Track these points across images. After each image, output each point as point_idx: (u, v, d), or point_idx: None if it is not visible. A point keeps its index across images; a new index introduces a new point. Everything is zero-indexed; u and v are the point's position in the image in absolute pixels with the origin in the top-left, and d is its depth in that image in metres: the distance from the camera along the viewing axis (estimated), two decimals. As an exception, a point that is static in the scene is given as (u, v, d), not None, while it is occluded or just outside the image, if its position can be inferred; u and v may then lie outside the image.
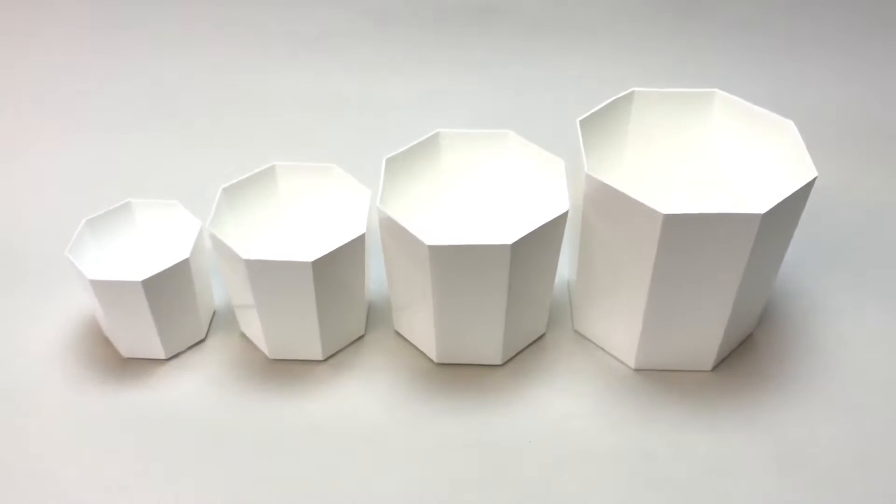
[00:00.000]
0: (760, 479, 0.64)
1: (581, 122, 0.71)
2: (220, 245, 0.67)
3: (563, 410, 0.70)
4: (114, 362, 0.73)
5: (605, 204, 0.65)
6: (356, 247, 0.68)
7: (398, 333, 0.76)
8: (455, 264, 0.65)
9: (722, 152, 0.76)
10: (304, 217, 0.78)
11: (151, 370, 0.73)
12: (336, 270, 0.68)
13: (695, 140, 0.77)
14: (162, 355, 0.73)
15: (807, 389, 0.71)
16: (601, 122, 0.73)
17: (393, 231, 0.66)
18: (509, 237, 0.65)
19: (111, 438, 0.68)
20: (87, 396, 0.71)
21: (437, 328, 0.70)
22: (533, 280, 0.69)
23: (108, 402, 0.71)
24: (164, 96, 1.08)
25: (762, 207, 0.63)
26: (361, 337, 0.76)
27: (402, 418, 0.69)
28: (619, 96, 0.74)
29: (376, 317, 0.78)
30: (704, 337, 0.70)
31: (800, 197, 0.65)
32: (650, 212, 0.62)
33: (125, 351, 0.73)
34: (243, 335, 0.76)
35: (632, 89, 0.75)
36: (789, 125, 0.70)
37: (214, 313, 0.78)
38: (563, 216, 0.66)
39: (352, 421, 0.69)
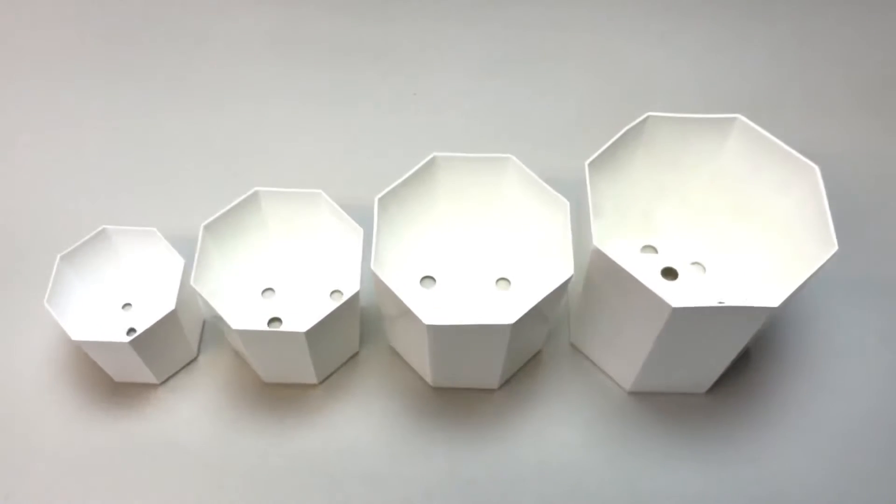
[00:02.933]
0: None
1: (590, 164, 0.66)
2: (208, 306, 0.64)
3: (556, 441, 0.70)
4: (106, 387, 0.72)
5: (613, 275, 0.62)
6: (350, 304, 0.66)
7: (392, 349, 0.75)
8: (454, 338, 0.63)
9: (735, 186, 0.71)
10: (293, 249, 0.74)
11: (144, 395, 0.72)
12: (331, 329, 0.66)
13: (707, 171, 0.72)
14: (154, 381, 0.72)
15: (796, 417, 0.71)
16: (611, 148, 0.68)
17: (389, 295, 0.63)
18: (510, 315, 0.62)
19: (104, 468, 0.69)
20: (80, 425, 0.71)
21: (433, 367, 0.69)
22: (533, 331, 0.68)
23: (102, 431, 0.70)
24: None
25: (775, 299, 0.60)
26: (356, 354, 0.75)
27: (396, 452, 0.70)
28: (631, 126, 0.68)
29: (370, 325, 0.76)
30: (703, 372, 0.70)
31: (816, 274, 0.62)
32: (659, 300, 0.60)
33: (117, 377, 0.72)
34: (235, 352, 0.74)
35: (646, 114, 0.68)
36: (813, 171, 0.65)
37: (204, 324, 0.76)
38: (566, 282, 0.63)
39: (345, 454, 0.69)
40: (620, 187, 0.73)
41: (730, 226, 0.75)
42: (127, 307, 0.74)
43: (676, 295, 0.74)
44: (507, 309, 0.73)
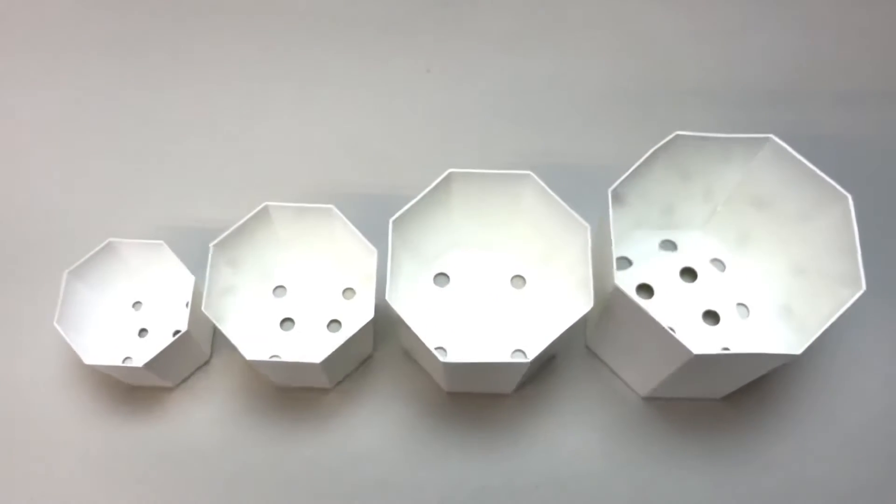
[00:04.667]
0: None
1: (613, 192, 0.63)
2: (223, 335, 0.64)
3: (570, 447, 0.71)
4: (121, 391, 0.72)
5: (635, 313, 0.61)
6: (364, 330, 0.65)
7: (406, 351, 0.74)
8: (470, 372, 0.63)
9: (762, 199, 0.69)
10: (305, 255, 0.72)
11: (159, 398, 0.72)
12: (345, 352, 0.65)
13: (733, 182, 0.69)
14: (169, 385, 0.72)
15: (812, 424, 0.71)
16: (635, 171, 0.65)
17: (405, 327, 0.62)
18: (526, 338, 0.62)
19: (123, 472, 0.70)
20: (98, 429, 0.71)
21: (448, 385, 0.69)
22: (550, 352, 0.67)
23: (119, 434, 0.71)
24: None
25: (798, 345, 0.59)
26: (370, 356, 0.74)
27: (410, 457, 0.70)
28: (657, 146, 0.64)
29: (382, 325, 0.75)
30: (720, 387, 0.70)
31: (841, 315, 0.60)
32: (680, 346, 0.59)
33: (131, 382, 0.72)
34: (249, 356, 0.74)
35: (674, 134, 0.65)
36: (845, 200, 0.63)
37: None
38: (583, 317, 0.62)
39: (359, 459, 0.70)
40: (642, 181, 0.70)
41: (752, 224, 0.73)
42: (137, 305, 0.73)
43: (694, 298, 0.73)
44: (522, 312, 0.72)
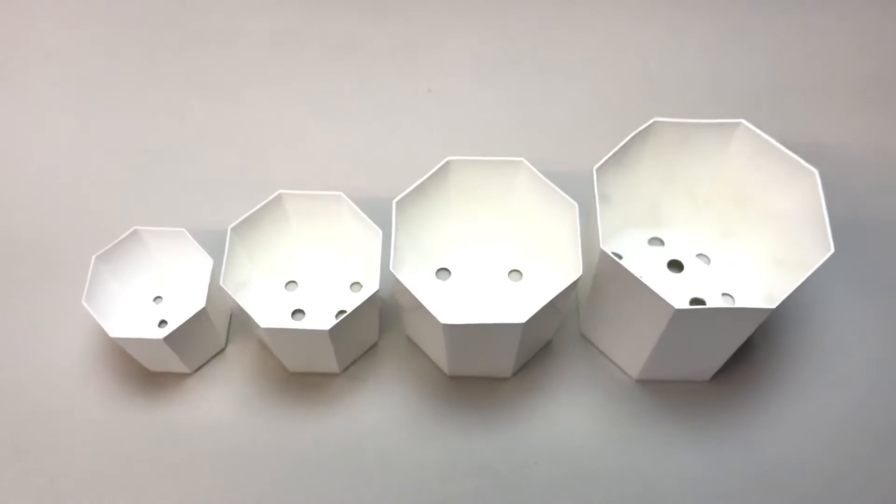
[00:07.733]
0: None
1: (598, 169, 0.69)
2: (237, 304, 0.68)
3: (566, 427, 0.74)
4: (141, 377, 0.77)
5: (619, 276, 0.66)
6: (370, 302, 0.69)
7: (410, 339, 0.79)
8: (469, 335, 0.67)
9: (739, 185, 0.74)
10: (315, 246, 0.78)
11: (177, 384, 0.76)
12: (352, 325, 0.70)
13: (711, 171, 0.75)
14: (186, 370, 0.76)
15: (795, 404, 0.75)
16: (617, 153, 0.71)
17: (408, 294, 0.67)
18: (521, 314, 0.66)
19: (141, 453, 0.73)
20: (118, 412, 0.75)
21: (449, 359, 0.73)
22: (545, 325, 0.71)
23: (138, 418, 0.75)
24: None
25: (773, 300, 0.63)
26: (375, 344, 0.79)
27: (414, 437, 0.73)
28: (637, 131, 0.70)
29: (388, 315, 0.80)
30: (706, 362, 0.74)
31: (815, 272, 0.65)
32: (662, 302, 0.63)
33: (151, 367, 0.76)
34: (261, 342, 0.78)
35: (652, 120, 0.71)
36: (812, 175, 0.68)
37: (231, 316, 0.80)
38: (575, 282, 0.67)
39: (365, 439, 0.73)
40: (628, 181, 0.76)
41: (733, 220, 0.78)
42: (158, 300, 0.78)
43: (682, 287, 0.78)
44: (519, 301, 0.77)
